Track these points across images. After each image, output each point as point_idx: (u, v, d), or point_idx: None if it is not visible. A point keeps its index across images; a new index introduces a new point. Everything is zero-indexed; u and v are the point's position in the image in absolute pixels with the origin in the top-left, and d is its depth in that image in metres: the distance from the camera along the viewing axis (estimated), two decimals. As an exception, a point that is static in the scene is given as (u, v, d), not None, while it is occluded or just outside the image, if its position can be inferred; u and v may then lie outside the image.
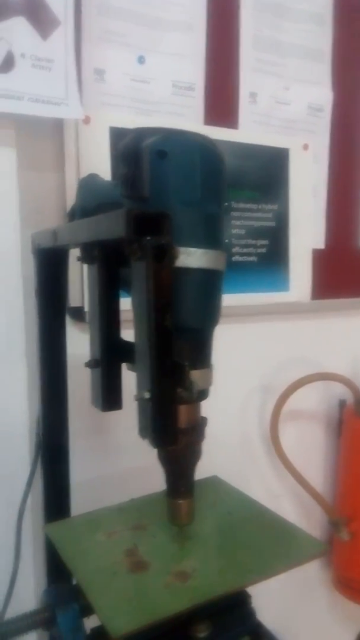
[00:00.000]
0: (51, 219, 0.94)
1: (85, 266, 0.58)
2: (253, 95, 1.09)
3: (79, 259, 0.54)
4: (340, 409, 1.33)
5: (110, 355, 0.53)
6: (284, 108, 1.13)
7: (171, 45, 0.98)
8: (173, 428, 0.43)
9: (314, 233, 1.21)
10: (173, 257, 0.41)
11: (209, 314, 0.50)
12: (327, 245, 1.23)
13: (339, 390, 1.32)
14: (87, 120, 0.91)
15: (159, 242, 0.41)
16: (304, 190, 1.17)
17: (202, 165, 0.47)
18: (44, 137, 0.90)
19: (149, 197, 0.46)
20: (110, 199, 0.56)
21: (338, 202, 1.23)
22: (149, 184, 0.46)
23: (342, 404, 1.34)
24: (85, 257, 0.53)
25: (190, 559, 0.53)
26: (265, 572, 0.50)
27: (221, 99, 1.05)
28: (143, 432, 0.44)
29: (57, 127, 0.90)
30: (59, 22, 0.77)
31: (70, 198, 0.94)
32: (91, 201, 0.60)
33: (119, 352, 0.54)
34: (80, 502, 0.78)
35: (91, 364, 0.54)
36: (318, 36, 1.14)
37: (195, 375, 0.47)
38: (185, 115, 1.01)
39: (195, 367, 0.48)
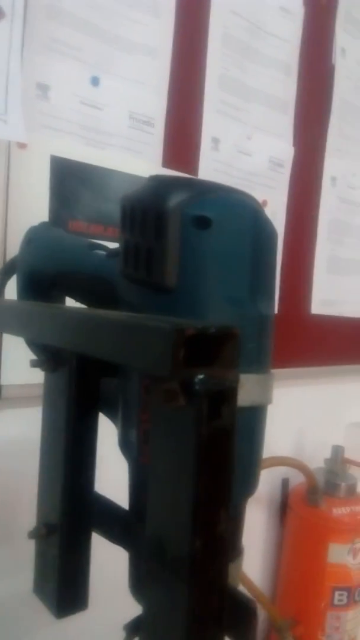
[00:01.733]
0: None
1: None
2: (215, 140, 0.96)
3: (35, 364, 0.34)
4: (284, 490, 1.20)
5: (76, 518, 0.33)
6: (245, 159, 1.01)
7: (131, 69, 0.82)
8: None
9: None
10: (235, 406, 0.23)
11: (251, 478, 0.32)
12: (279, 310, 1.11)
13: (282, 468, 1.19)
14: (23, 145, 0.71)
15: (222, 380, 0.23)
16: (262, 250, 1.05)
17: (256, 243, 0.30)
18: None
19: (175, 287, 0.28)
20: (86, 269, 0.37)
21: (292, 264, 1.13)
22: (179, 267, 0.28)
23: (285, 483, 1.21)
24: (46, 362, 0.33)
25: None
26: None
27: (182, 140, 0.91)
28: None
29: (-19, 147, 0.68)
30: (2, 13, 0.58)
31: (-7, 240, 0.72)
32: (50, 264, 0.40)
33: (90, 514, 0.34)
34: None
35: (39, 533, 0.33)
36: (283, 85, 1.05)
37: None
38: (143, 152, 0.85)
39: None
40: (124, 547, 0.33)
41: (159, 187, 0.29)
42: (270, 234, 0.31)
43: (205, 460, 0.23)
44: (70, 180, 0.77)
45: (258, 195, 1.03)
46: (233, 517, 0.31)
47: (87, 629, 0.75)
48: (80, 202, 0.79)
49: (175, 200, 0.28)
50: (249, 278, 0.29)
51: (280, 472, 1.20)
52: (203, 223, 0.28)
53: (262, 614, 1.16)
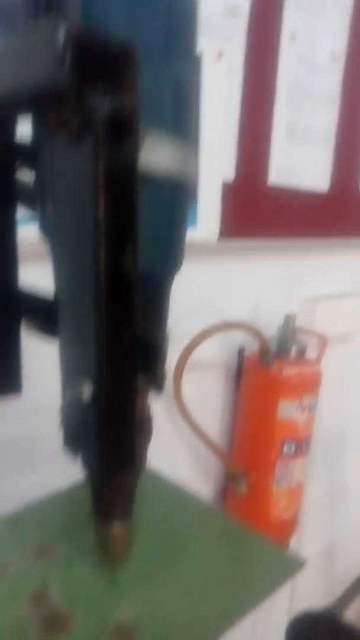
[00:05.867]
0: None
1: None
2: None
3: None
4: (240, 358, 1.25)
5: (4, 310, 0.33)
6: (197, 2, 0.92)
7: None
8: (131, 443, 0.25)
9: (224, 162, 1.06)
10: (138, 137, 0.23)
11: (174, 253, 0.32)
12: (236, 178, 1.09)
13: (239, 338, 1.24)
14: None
15: (120, 105, 0.21)
16: (216, 109, 1.00)
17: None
18: None
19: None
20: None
21: (250, 126, 1.08)
22: (82, 10, 0.25)
23: (241, 352, 1.26)
24: None
25: (128, 600, 0.38)
26: (236, 610, 0.37)
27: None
28: (78, 453, 0.26)
29: None
30: None
31: None
32: None
33: (17, 306, 0.34)
34: None
35: (-30, 327, 0.34)
36: None
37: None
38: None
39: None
40: (52, 335, 0.33)
41: None
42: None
43: (110, 195, 0.22)
44: None
45: (212, 45, 0.96)
46: (159, 293, 0.32)
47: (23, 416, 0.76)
48: None
49: None
50: (163, 34, 0.27)
51: (236, 342, 1.25)
52: None
53: (218, 466, 1.26)
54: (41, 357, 0.40)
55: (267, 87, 1.11)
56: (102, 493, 0.36)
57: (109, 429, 0.24)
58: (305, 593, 1.56)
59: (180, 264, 0.33)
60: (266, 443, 1.15)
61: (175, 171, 0.29)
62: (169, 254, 0.32)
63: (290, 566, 0.40)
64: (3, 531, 0.45)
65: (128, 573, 0.40)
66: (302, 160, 1.22)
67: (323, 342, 1.21)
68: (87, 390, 0.24)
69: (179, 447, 1.20)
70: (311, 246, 1.34)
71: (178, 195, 0.30)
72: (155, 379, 0.27)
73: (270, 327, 1.23)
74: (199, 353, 1.13)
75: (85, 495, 0.42)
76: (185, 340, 1.04)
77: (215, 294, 1.16)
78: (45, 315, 0.33)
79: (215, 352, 1.22)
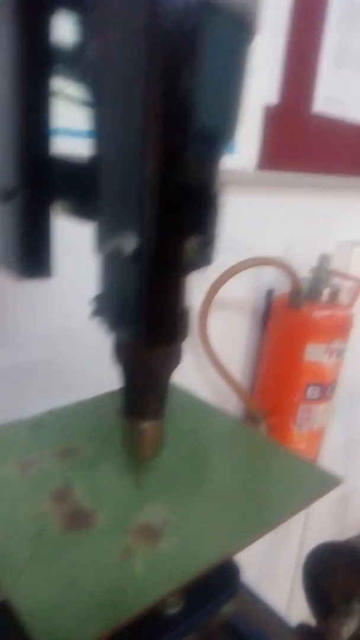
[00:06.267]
0: None
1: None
2: None
3: None
4: (268, 300, 1.21)
5: (36, 181, 0.30)
6: None
7: None
8: (173, 312, 0.22)
9: (267, 84, 0.98)
10: None
11: (233, 106, 0.28)
12: (279, 103, 1.01)
13: (268, 280, 1.19)
14: None
15: None
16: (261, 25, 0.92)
17: None
18: None
19: None
20: None
21: (297, 46, 1.00)
22: None
23: (269, 294, 1.22)
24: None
25: (155, 502, 0.36)
26: (267, 521, 0.35)
27: None
28: (119, 319, 0.23)
29: None
30: None
31: None
32: None
33: (50, 179, 0.30)
34: None
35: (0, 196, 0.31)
36: None
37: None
38: None
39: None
40: (85, 216, 0.30)
41: None
42: None
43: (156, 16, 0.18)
44: None
45: None
46: (216, 152, 0.27)
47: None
48: None
49: None
50: None
51: (265, 283, 1.20)
52: None
53: (239, 407, 1.25)
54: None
55: (317, 4, 1.01)
56: (136, 384, 0.33)
57: (152, 284, 0.21)
58: (317, 540, 1.58)
59: (239, 121, 0.29)
60: (290, 386, 1.12)
61: (237, 4, 0.24)
62: (227, 107, 0.27)
63: (326, 483, 0.38)
64: (27, 432, 0.44)
65: (155, 478, 0.39)
66: (351, 88, 1.13)
67: (358, 287, 1.16)
68: (129, 245, 0.21)
69: (200, 386, 1.19)
70: (354, 185, 1.26)
71: (239, 36, 0.26)
72: (205, 241, 0.24)
73: (303, 269, 1.18)
74: (227, 292, 1.10)
75: (110, 404, 0.40)
76: (213, 277, 1.00)
77: (247, 229, 1.10)
78: (79, 190, 0.30)
79: (243, 292, 1.18)
